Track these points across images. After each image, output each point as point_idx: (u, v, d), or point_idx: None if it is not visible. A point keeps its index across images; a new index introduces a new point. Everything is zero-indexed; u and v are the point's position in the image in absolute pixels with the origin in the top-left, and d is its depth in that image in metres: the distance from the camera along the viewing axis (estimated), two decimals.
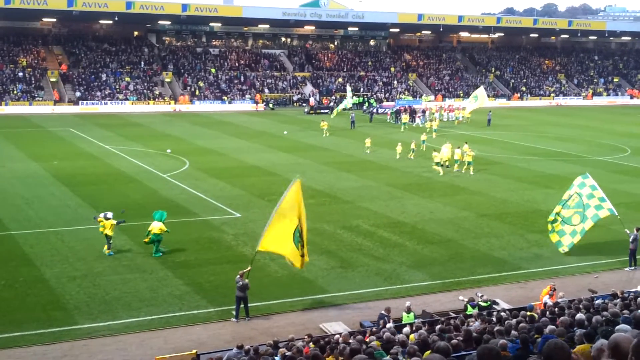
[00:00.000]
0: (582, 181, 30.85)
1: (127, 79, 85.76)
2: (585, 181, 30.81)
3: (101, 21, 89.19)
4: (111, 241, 28.31)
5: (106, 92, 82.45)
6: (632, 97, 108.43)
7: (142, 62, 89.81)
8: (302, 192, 24.44)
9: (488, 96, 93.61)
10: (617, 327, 8.77)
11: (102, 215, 28.86)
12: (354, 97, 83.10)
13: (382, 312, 21.40)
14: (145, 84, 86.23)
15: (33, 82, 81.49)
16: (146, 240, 28.26)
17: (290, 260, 23.66)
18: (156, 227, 28.17)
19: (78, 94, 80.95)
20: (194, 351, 18.93)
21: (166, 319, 22.45)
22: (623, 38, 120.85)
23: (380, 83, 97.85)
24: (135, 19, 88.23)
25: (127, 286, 24.86)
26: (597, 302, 19.66)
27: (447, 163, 47.13)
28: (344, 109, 74.58)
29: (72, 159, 48.60)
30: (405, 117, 69.22)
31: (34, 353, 20.00)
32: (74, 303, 23.33)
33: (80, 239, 30.18)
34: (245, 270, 22.95)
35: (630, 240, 28.44)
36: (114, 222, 28.47)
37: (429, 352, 13.57)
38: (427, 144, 53.84)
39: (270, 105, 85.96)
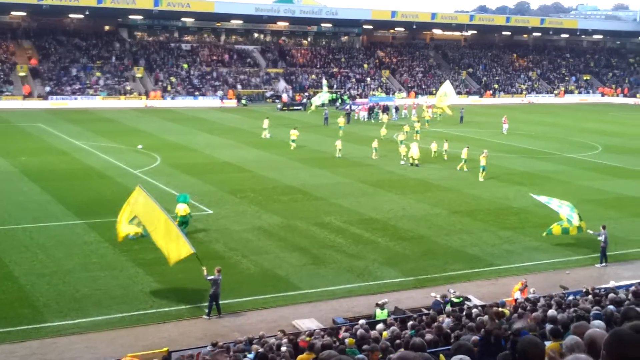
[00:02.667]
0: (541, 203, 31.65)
1: (98, 74, 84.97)
2: (540, 200, 31.62)
3: (71, 15, 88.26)
4: None
5: (76, 87, 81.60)
6: (603, 94, 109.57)
7: (113, 57, 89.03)
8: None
9: (460, 93, 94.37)
10: (591, 323, 8.78)
11: None
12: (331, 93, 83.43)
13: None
14: (116, 79, 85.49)
15: (2, 76, 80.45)
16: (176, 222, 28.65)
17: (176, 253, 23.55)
18: (180, 209, 29.31)
19: (48, 88, 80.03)
20: (165, 349, 18.73)
21: (137, 316, 22.22)
22: (594, 36, 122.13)
23: (354, 80, 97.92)
24: (107, 14, 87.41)
25: (97, 284, 24.57)
26: (568, 298, 19.80)
27: (416, 161, 47.09)
28: (322, 105, 74.53)
29: (41, 155, 48.02)
30: (384, 117, 68.24)
31: (2, 351, 19.67)
32: (43, 300, 23.00)
33: (50, 235, 29.80)
34: (207, 270, 22.71)
35: (601, 238, 28.63)
36: None
37: (401, 348, 13.56)
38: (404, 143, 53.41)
39: (243, 102, 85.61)
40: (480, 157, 43.26)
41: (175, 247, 23.28)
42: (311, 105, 76.10)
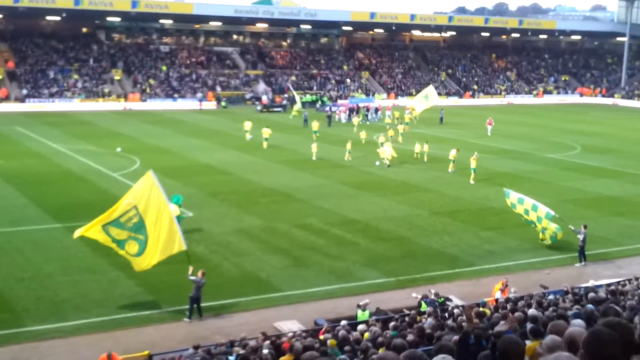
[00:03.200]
0: (510, 202, 31.70)
1: (76, 76, 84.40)
2: (511, 200, 31.59)
3: (48, 17, 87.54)
4: None
5: (54, 90, 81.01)
6: (581, 95, 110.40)
7: (91, 59, 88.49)
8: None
9: (440, 94, 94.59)
10: (572, 322, 8.83)
11: None
12: (306, 95, 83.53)
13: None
14: (94, 81, 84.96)
15: None
16: None
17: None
18: (171, 209, 28.58)
19: (25, 91, 79.37)
20: (146, 352, 18.62)
21: (118, 320, 22.09)
22: (573, 37, 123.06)
23: (333, 81, 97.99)
24: (84, 16, 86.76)
25: (77, 287, 24.40)
26: (549, 297, 19.91)
27: (387, 162, 47.20)
28: (299, 110, 74.68)
29: (19, 158, 47.62)
30: (355, 119, 67.85)
31: None
32: (22, 305, 22.81)
33: (28, 240, 29.55)
34: (192, 270, 22.65)
35: (580, 237, 28.86)
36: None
37: (382, 349, 13.57)
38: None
39: (223, 104, 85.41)
40: (471, 160, 43.30)
41: (168, 241, 23.07)
42: (294, 111, 75.62)
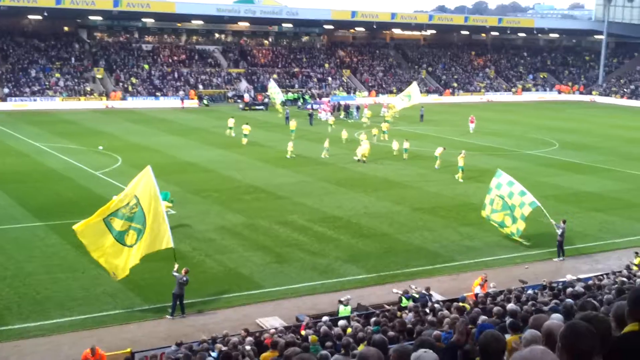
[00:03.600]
0: (497, 182, 31.46)
1: (57, 75, 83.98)
2: (500, 180, 31.41)
3: (30, 16, 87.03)
4: None
5: (35, 89, 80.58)
6: (560, 92, 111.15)
7: (73, 58, 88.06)
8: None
9: (420, 92, 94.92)
10: (552, 316, 9.03)
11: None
12: (288, 93, 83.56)
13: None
14: (76, 80, 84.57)
15: None
16: None
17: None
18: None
19: (6, 90, 78.91)
20: (129, 349, 18.74)
21: (100, 317, 22.17)
22: (551, 35, 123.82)
23: (315, 79, 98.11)
24: (65, 14, 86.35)
25: (58, 285, 24.44)
26: (527, 292, 20.21)
27: (364, 159, 47.51)
28: (283, 103, 74.85)
29: (1, 157, 47.40)
30: (331, 119, 66.01)
31: None
32: (4, 303, 22.83)
33: (10, 238, 29.53)
34: (176, 269, 22.83)
35: (558, 232, 29.24)
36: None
37: (363, 344, 13.77)
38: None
39: (205, 102, 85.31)
40: (458, 158, 43.38)
41: (157, 236, 23.24)
42: (278, 106, 75.19)
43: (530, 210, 30.10)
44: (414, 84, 76.58)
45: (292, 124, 59.51)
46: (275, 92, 75.87)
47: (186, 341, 18.23)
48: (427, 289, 22.67)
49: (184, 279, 22.45)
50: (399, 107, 70.55)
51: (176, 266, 22.77)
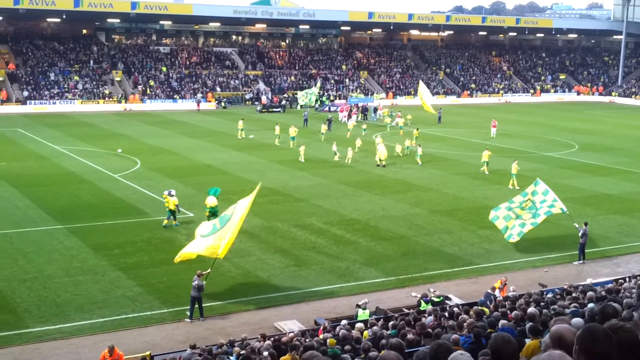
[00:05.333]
0: (534, 189, 31.25)
1: (76, 77, 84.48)
2: (537, 189, 31.19)
3: (49, 19, 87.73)
4: (172, 215, 32.27)
5: (55, 91, 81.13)
6: (578, 93, 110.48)
7: (91, 61, 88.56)
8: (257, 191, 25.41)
9: (438, 93, 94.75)
10: (572, 321, 8.95)
11: (166, 192, 33.01)
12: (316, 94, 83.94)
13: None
14: (95, 82, 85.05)
15: None
16: (206, 213, 31.98)
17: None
18: (209, 201, 32.42)
19: (26, 93, 79.51)
20: (148, 353, 18.80)
21: (119, 320, 22.25)
22: (569, 35, 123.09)
23: (332, 81, 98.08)
24: (84, 17, 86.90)
25: (78, 288, 24.56)
26: (548, 295, 20.07)
27: (383, 162, 47.20)
28: (305, 105, 75.18)
29: (21, 160, 47.76)
30: (351, 124, 63.74)
31: None
32: (24, 306, 22.97)
33: (30, 241, 29.71)
34: (204, 273, 23.07)
35: (580, 234, 29.01)
36: (177, 200, 32.52)
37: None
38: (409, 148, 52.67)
39: (223, 104, 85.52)
40: (512, 166, 42.02)
41: (218, 244, 24.27)
42: (309, 102, 75.70)
43: (559, 211, 30.11)
44: (420, 82, 76.90)
45: (292, 131, 55.39)
46: (309, 94, 76.26)
47: (205, 344, 18.25)
48: (424, 295, 22.61)
49: (199, 283, 22.49)
50: (429, 104, 70.84)
51: (207, 272, 23.44)
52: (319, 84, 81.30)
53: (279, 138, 56.08)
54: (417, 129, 57.57)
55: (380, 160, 47.32)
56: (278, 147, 53.72)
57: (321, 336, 17.53)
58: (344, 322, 19.18)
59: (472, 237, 31.94)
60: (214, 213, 31.80)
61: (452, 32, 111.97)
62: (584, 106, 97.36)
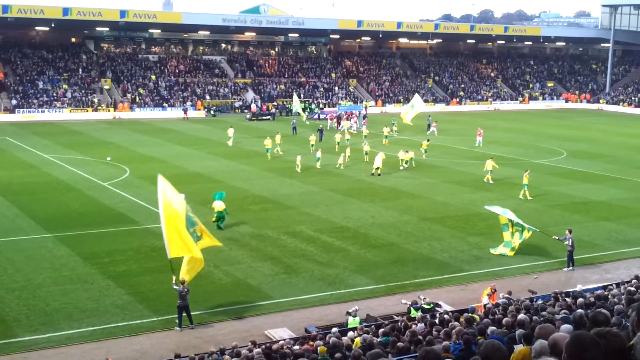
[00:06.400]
0: (498, 215, 31.27)
1: (65, 86, 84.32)
2: (498, 212, 31.27)
3: (37, 28, 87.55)
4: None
5: (43, 100, 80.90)
6: (567, 100, 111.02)
7: (80, 69, 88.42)
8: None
9: (427, 101, 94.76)
10: (561, 327, 8.98)
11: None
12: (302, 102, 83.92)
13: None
14: (84, 91, 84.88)
15: None
16: (213, 219, 32.69)
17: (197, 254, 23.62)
18: (217, 205, 33.13)
19: (14, 101, 79.25)
20: None
21: (109, 329, 22.16)
22: (557, 43, 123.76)
23: (322, 89, 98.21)
24: (73, 26, 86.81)
25: (68, 297, 24.46)
26: (537, 302, 20.11)
27: (378, 172, 47.12)
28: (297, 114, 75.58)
29: (9, 168, 47.57)
30: (338, 137, 61.37)
31: None
32: (13, 315, 22.86)
33: (19, 250, 29.58)
34: (177, 279, 22.75)
35: (568, 243, 29.03)
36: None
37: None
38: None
39: (212, 112, 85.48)
40: (524, 176, 41.64)
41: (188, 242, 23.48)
42: (303, 115, 76.47)
43: (530, 234, 30.07)
44: (416, 95, 76.99)
45: (276, 139, 55.25)
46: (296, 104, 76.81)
47: (195, 352, 18.18)
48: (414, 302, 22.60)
49: (185, 289, 22.38)
50: (408, 118, 69.22)
51: (174, 279, 22.69)
52: (295, 97, 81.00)
53: (281, 147, 55.82)
54: (428, 140, 57.11)
55: (375, 169, 47.15)
56: (266, 155, 53.51)
57: (312, 343, 17.52)
58: (334, 329, 19.15)
59: (461, 244, 32.01)
60: (221, 217, 32.98)
61: (440, 40, 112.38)
62: (572, 113, 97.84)
